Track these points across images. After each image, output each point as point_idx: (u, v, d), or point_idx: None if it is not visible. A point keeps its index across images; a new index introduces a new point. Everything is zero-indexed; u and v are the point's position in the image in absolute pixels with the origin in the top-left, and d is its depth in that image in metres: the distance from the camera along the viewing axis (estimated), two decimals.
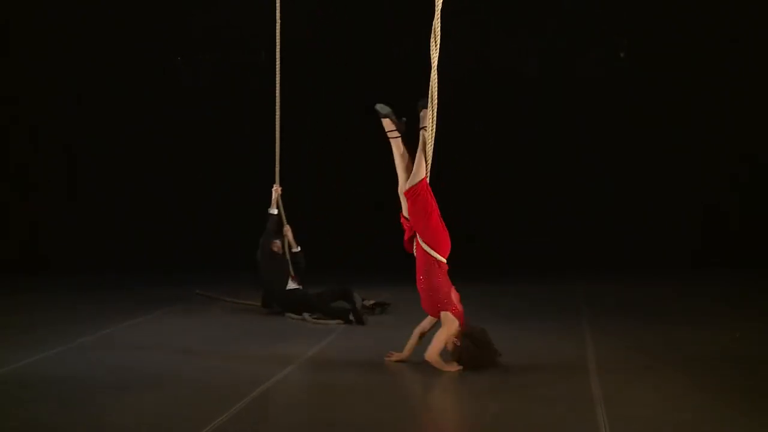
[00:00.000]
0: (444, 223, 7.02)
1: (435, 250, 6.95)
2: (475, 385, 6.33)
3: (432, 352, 6.84)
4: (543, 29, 12.39)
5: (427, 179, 7.04)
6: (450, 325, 6.84)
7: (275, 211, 9.72)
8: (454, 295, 6.95)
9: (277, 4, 9.36)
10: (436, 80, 7.01)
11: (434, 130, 7.06)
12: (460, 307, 6.93)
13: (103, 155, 13.21)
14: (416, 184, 6.98)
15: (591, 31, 12.48)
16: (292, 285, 9.42)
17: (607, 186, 12.31)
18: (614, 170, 12.33)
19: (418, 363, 7.08)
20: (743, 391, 6.17)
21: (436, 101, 7.00)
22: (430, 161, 7.07)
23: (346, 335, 8.44)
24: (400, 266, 12.01)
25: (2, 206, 13.24)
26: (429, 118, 7.05)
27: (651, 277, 11.61)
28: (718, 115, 11.99)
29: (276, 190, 9.81)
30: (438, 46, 6.98)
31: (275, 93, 12.74)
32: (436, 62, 6.98)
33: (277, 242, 9.56)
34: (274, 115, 12.96)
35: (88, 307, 10.19)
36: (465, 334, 6.79)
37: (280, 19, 9.44)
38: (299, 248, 9.64)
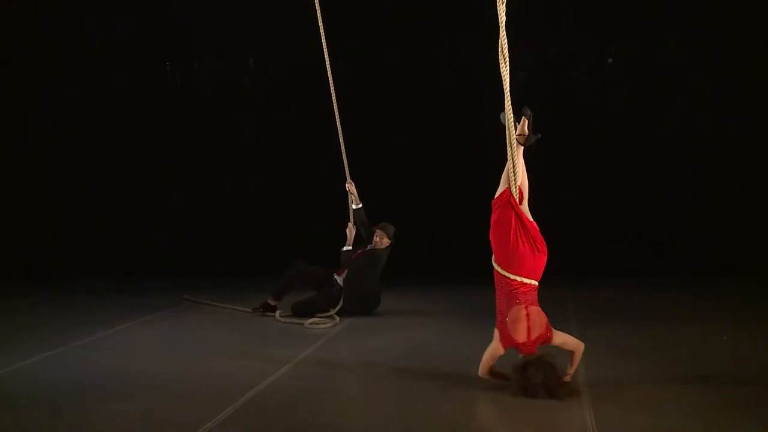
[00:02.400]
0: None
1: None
2: (464, 390, 6.31)
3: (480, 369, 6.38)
4: (541, 29, 12.32)
5: (515, 194, 6.50)
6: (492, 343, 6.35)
7: (359, 205, 9.77)
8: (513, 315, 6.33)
9: (316, 3, 9.21)
10: (506, 42, 6.06)
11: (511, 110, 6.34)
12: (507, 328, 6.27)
13: (103, 155, 13.20)
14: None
15: (591, 31, 12.42)
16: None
17: (606, 186, 12.26)
18: (614, 170, 12.27)
19: (412, 369, 7.06)
20: (739, 396, 6.12)
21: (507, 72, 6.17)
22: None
23: (337, 338, 8.44)
24: (401, 267, 12.08)
25: (2, 206, 13.24)
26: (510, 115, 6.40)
27: (650, 278, 11.57)
28: (718, 115, 11.94)
29: (350, 186, 9.76)
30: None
31: (280, 93, 12.82)
32: (503, 22, 6.03)
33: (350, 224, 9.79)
34: (275, 115, 13.01)
35: (84, 310, 10.24)
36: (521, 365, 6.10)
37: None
38: (361, 205, 9.80)
